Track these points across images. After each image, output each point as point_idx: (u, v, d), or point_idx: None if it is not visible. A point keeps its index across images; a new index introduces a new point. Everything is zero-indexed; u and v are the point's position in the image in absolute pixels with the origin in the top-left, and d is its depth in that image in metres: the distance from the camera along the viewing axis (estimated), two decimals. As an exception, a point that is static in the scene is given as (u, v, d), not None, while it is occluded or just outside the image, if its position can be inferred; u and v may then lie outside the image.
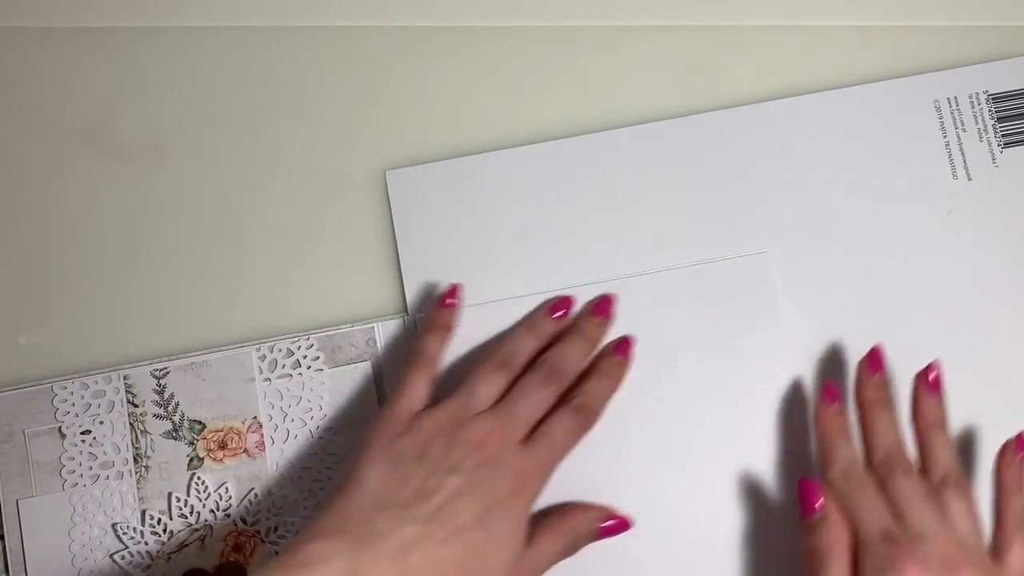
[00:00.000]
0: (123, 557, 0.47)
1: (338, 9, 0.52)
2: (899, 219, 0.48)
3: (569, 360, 0.45)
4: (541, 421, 0.44)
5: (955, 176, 0.49)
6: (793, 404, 0.47)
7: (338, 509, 0.40)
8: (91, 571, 0.47)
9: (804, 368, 0.47)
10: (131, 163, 0.51)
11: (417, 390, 0.44)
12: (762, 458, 0.47)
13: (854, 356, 0.47)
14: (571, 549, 0.44)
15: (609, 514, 0.45)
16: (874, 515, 0.40)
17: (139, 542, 0.47)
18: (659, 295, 0.48)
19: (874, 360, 0.45)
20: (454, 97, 0.51)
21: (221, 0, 0.52)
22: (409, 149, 0.50)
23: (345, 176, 0.50)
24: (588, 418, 0.44)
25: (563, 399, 0.45)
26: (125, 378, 0.48)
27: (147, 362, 0.48)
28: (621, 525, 0.45)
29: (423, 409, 0.44)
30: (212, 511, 0.47)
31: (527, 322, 0.47)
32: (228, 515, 0.47)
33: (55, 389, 0.48)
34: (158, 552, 0.47)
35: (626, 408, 0.47)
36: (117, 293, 0.50)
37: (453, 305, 0.47)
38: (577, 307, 0.48)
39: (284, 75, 0.51)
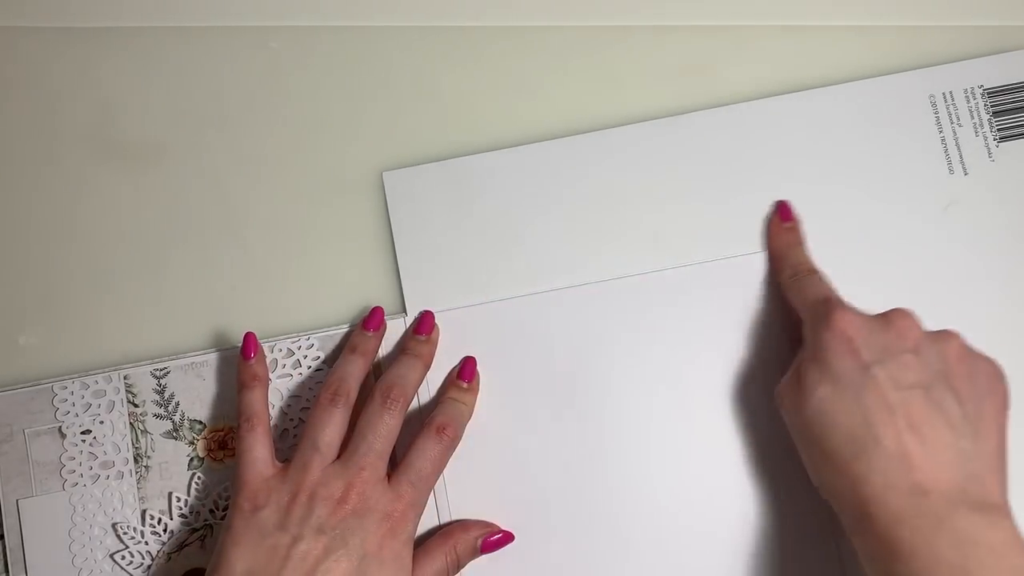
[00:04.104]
0: (123, 557, 0.47)
1: (337, 9, 0.52)
2: (896, 215, 0.49)
3: (403, 379, 0.45)
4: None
5: (951, 171, 0.49)
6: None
7: None
8: (91, 571, 0.47)
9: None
10: (131, 163, 0.51)
11: (258, 454, 0.44)
12: (762, 457, 0.47)
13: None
14: (453, 568, 0.45)
15: (490, 530, 0.46)
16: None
17: (139, 542, 0.47)
18: (659, 295, 0.48)
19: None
20: (452, 97, 0.51)
21: (221, 0, 0.52)
22: (406, 149, 0.51)
23: (343, 176, 0.50)
24: (450, 440, 0.45)
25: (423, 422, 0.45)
26: (125, 378, 0.48)
27: (147, 362, 0.48)
28: (504, 539, 0.46)
29: (272, 473, 0.44)
30: (212, 511, 0.47)
31: (348, 344, 0.47)
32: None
33: (55, 389, 0.48)
34: (158, 552, 0.47)
35: (626, 408, 0.47)
36: (117, 293, 0.50)
37: (251, 356, 0.47)
38: (408, 319, 0.48)
39: (283, 75, 0.51)
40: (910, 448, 0.38)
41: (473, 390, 0.47)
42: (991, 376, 0.41)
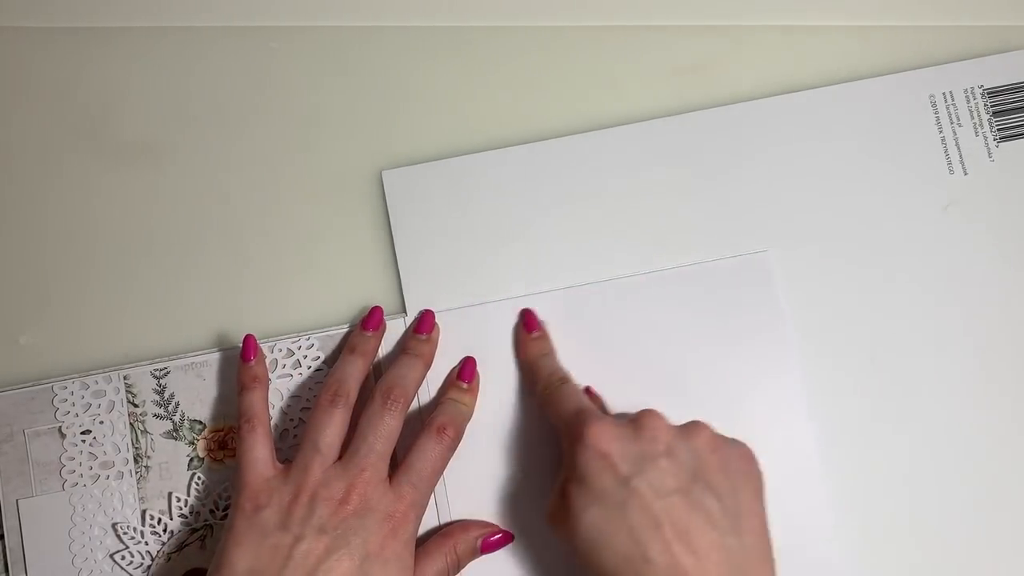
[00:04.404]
0: (123, 557, 0.47)
1: (338, 9, 0.52)
2: (896, 214, 0.49)
3: (403, 379, 0.45)
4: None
5: (951, 171, 0.49)
6: (794, 403, 0.47)
7: None
8: (91, 571, 0.47)
9: (805, 365, 0.47)
10: (131, 163, 0.51)
11: (259, 455, 0.44)
12: (762, 457, 0.47)
13: (854, 353, 0.47)
14: (453, 568, 0.45)
15: (490, 530, 0.46)
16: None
17: (139, 542, 0.47)
18: (659, 295, 0.48)
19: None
20: (451, 97, 0.51)
21: (221, 0, 0.52)
22: (406, 149, 0.51)
23: (343, 176, 0.50)
24: (450, 441, 0.45)
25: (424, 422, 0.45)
26: (125, 378, 0.48)
27: (147, 362, 0.48)
28: (503, 539, 0.46)
29: (273, 474, 0.44)
30: (212, 511, 0.47)
31: (348, 345, 0.47)
32: (227, 514, 0.47)
33: (55, 389, 0.48)
34: (158, 552, 0.47)
35: (626, 408, 0.47)
36: (117, 293, 0.50)
37: (251, 358, 0.47)
38: (408, 319, 0.48)
39: (283, 75, 0.51)
40: (681, 560, 0.38)
41: (473, 391, 0.47)
42: (743, 460, 0.42)
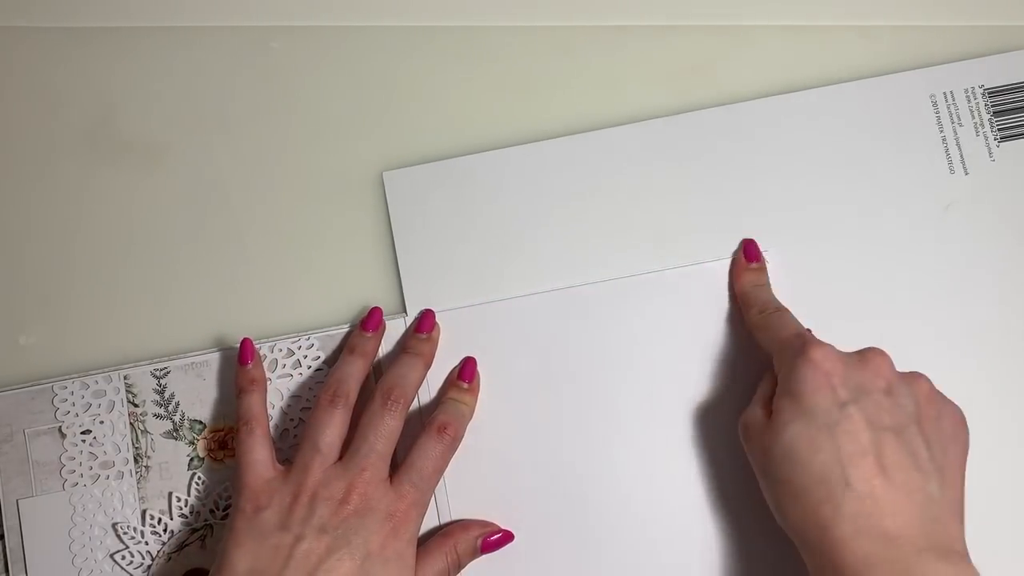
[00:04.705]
0: (123, 557, 0.47)
1: (338, 9, 0.52)
2: (897, 215, 0.49)
3: (404, 379, 0.45)
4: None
5: (952, 171, 0.49)
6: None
7: None
8: (91, 571, 0.47)
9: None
10: (131, 163, 0.51)
11: (258, 456, 0.44)
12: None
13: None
14: (454, 568, 0.45)
15: (490, 530, 0.46)
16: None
17: (139, 542, 0.47)
18: (659, 295, 0.48)
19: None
20: (452, 97, 0.51)
21: (221, 0, 0.52)
22: (406, 149, 0.51)
23: (343, 176, 0.50)
24: (451, 440, 0.45)
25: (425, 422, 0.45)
26: (125, 378, 0.48)
27: (147, 362, 0.48)
28: (503, 539, 0.46)
29: (274, 475, 0.44)
30: (212, 511, 0.47)
31: (348, 345, 0.47)
32: (228, 515, 0.47)
33: (55, 389, 0.48)
34: (158, 552, 0.47)
35: (626, 408, 0.47)
36: (117, 293, 0.50)
37: (248, 361, 0.47)
38: (408, 319, 0.48)
39: (283, 75, 0.51)
40: (880, 492, 0.38)
41: (473, 390, 0.47)
42: (956, 422, 0.42)
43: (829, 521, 0.38)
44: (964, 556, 0.38)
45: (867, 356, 0.41)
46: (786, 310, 0.46)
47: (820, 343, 0.41)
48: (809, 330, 0.46)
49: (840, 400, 0.40)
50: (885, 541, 0.37)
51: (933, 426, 0.40)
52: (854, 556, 0.37)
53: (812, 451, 0.39)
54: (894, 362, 0.42)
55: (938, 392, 0.42)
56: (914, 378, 0.42)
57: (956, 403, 0.42)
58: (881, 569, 0.37)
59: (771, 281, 0.48)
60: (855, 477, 0.38)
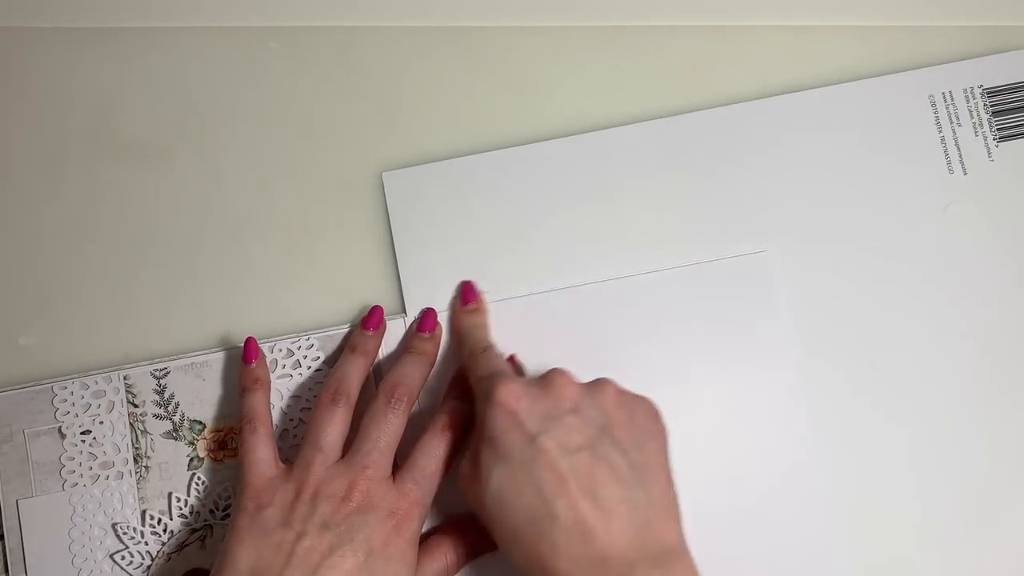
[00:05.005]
0: (123, 557, 0.47)
1: (337, 9, 0.52)
2: (896, 215, 0.49)
3: (407, 378, 0.45)
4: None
5: (951, 171, 0.49)
6: (794, 402, 0.47)
7: None
8: (91, 571, 0.47)
9: (805, 365, 0.47)
10: (131, 163, 0.51)
11: (261, 455, 0.44)
12: (762, 456, 0.47)
13: (853, 352, 0.48)
14: (455, 566, 0.45)
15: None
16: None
17: (139, 542, 0.47)
18: (659, 295, 0.48)
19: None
20: (451, 97, 0.51)
21: (221, 0, 0.52)
22: (406, 149, 0.51)
23: (343, 176, 0.50)
24: (453, 438, 0.45)
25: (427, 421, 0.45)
26: (125, 378, 0.48)
27: (147, 362, 0.48)
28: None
29: (276, 473, 0.44)
30: (212, 511, 0.47)
31: (349, 344, 0.47)
32: (228, 515, 0.47)
33: (55, 389, 0.48)
34: (158, 552, 0.47)
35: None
36: (117, 293, 0.50)
37: (252, 360, 0.47)
38: (408, 319, 0.48)
39: (283, 75, 0.51)
40: (586, 516, 0.38)
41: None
42: (648, 416, 0.42)
43: (548, 559, 0.38)
44: (676, 551, 0.39)
45: (548, 380, 0.42)
46: (490, 349, 0.46)
47: (505, 381, 0.42)
48: (512, 356, 0.47)
49: (530, 435, 0.40)
50: (600, 564, 0.37)
51: (626, 430, 0.41)
52: None
53: (517, 494, 0.39)
54: (576, 376, 0.42)
55: (624, 393, 0.42)
56: (599, 386, 0.42)
57: (646, 397, 0.43)
58: None
59: (771, 281, 0.48)
60: (560, 507, 0.38)
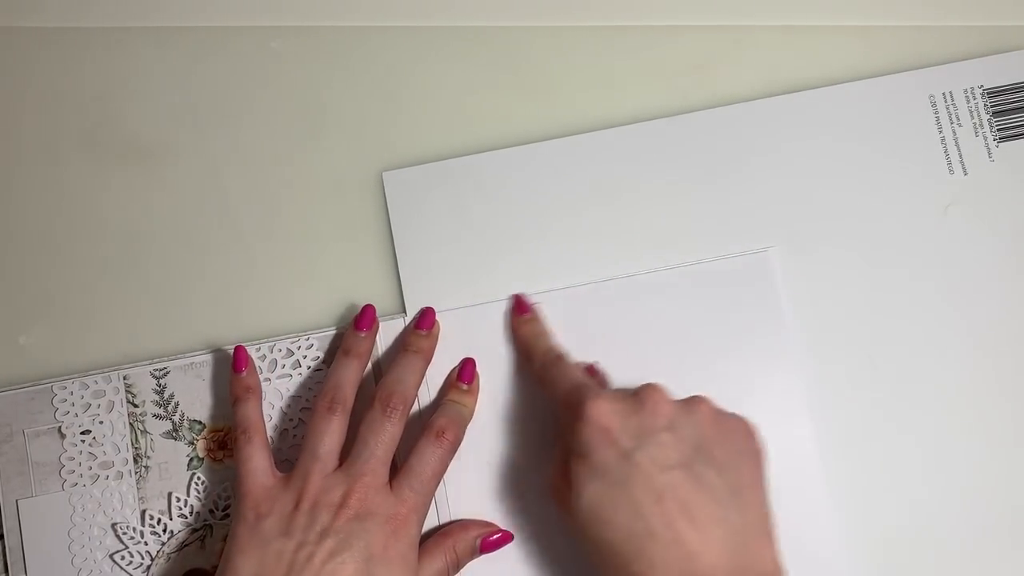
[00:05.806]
0: (123, 557, 0.47)
1: (337, 9, 0.52)
2: (897, 215, 0.49)
3: (402, 384, 0.45)
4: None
5: (951, 171, 0.49)
6: (795, 402, 0.47)
7: None
8: (91, 571, 0.47)
9: (806, 365, 0.47)
10: (131, 163, 0.51)
11: (257, 464, 0.44)
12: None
13: (855, 352, 0.47)
14: (453, 568, 0.45)
15: (490, 530, 0.46)
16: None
17: (139, 542, 0.47)
18: (659, 295, 0.48)
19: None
20: (451, 97, 0.51)
21: (221, 0, 0.52)
22: (406, 149, 0.51)
23: (343, 176, 0.50)
24: (450, 444, 0.45)
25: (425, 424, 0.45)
26: (125, 378, 0.48)
27: (147, 362, 0.48)
28: (503, 539, 0.46)
29: (274, 483, 0.44)
30: (212, 511, 0.47)
31: (342, 347, 0.47)
32: (228, 515, 0.47)
33: (55, 389, 0.48)
34: (158, 552, 0.47)
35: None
36: (117, 293, 0.50)
37: (242, 368, 0.47)
38: (408, 319, 0.48)
39: (283, 75, 0.51)
40: (684, 535, 0.38)
41: (473, 392, 0.47)
42: (744, 435, 0.42)
43: None
44: (774, 574, 0.39)
45: (642, 396, 0.41)
46: (564, 359, 0.46)
47: (594, 397, 0.41)
48: (593, 366, 0.46)
49: (624, 451, 0.40)
50: None
51: (721, 448, 0.40)
52: None
53: (612, 510, 0.39)
54: (670, 392, 0.42)
55: (719, 411, 0.42)
56: (694, 404, 0.42)
57: (742, 416, 0.42)
58: None
59: (773, 280, 0.48)
60: (657, 525, 0.38)
